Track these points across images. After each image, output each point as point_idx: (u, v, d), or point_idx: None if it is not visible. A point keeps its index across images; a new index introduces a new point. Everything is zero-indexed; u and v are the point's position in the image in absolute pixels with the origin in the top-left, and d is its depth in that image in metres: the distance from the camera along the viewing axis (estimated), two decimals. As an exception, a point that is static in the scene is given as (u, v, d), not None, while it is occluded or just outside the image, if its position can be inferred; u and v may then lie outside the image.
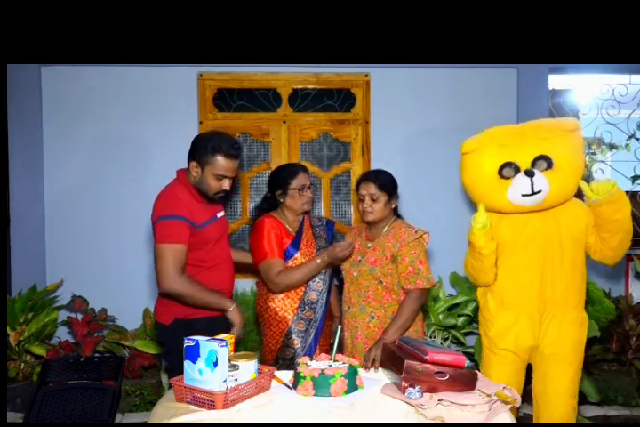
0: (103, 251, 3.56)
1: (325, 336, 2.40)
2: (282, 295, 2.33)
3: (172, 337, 2.02)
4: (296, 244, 2.35)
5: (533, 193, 2.04)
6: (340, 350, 2.25)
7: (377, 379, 1.88)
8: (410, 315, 2.15)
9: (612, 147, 4.18)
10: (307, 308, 2.32)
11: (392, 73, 3.65)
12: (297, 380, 1.75)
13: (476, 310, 2.35)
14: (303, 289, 2.33)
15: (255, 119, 3.70)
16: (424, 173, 3.65)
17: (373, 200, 2.24)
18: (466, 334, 3.37)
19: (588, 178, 3.82)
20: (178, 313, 2.07)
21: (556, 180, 2.04)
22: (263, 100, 3.73)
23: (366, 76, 3.69)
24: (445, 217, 3.53)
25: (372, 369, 2.00)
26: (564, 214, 2.12)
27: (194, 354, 1.63)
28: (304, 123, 3.72)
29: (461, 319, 3.33)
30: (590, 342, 2.94)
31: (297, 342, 2.30)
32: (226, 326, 2.10)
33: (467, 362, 1.69)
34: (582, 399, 2.59)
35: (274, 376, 1.81)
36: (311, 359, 1.85)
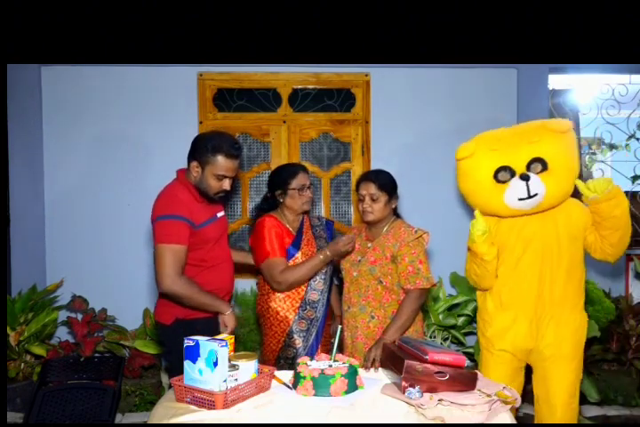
0: (103, 251, 3.57)
1: (327, 335, 2.41)
2: (283, 295, 2.33)
3: (173, 337, 2.02)
4: (297, 244, 2.35)
5: (530, 196, 2.03)
6: (340, 350, 2.25)
7: (377, 379, 1.88)
8: (410, 315, 2.15)
9: (611, 147, 4.18)
10: (308, 307, 2.32)
11: (392, 73, 3.64)
12: (297, 380, 1.75)
13: (476, 310, 2.34)
14: (304, 289, 2.33)
15: (255, 119, 3.70)
16: (424, 173, 3.64)
17: (373, 200, 2.24)
18: (466, 334, 3.37)
19: (587, 178, 3.81)
20: (178, 313, 2.07)
21: (552, 181, 2.03)
22: (263, 100, 3.73)
23: (366, 76, 3.69)
24: (445, 217, 3.53)
25: (372, 369, 2.00)
26: (561, 214, 2.12)
27: (194, 354, 1.63)
28: (304, 123, 3.72)
29: (461, 319, 3.34)
30: (590, 342, 2.94)
31: (299, 342, 2.30)
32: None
33: (467, 362, 1.70)
34: (582, 399, 2.59)
35: (274, 376, 1.81)
36: (312, 359, 1.86)
